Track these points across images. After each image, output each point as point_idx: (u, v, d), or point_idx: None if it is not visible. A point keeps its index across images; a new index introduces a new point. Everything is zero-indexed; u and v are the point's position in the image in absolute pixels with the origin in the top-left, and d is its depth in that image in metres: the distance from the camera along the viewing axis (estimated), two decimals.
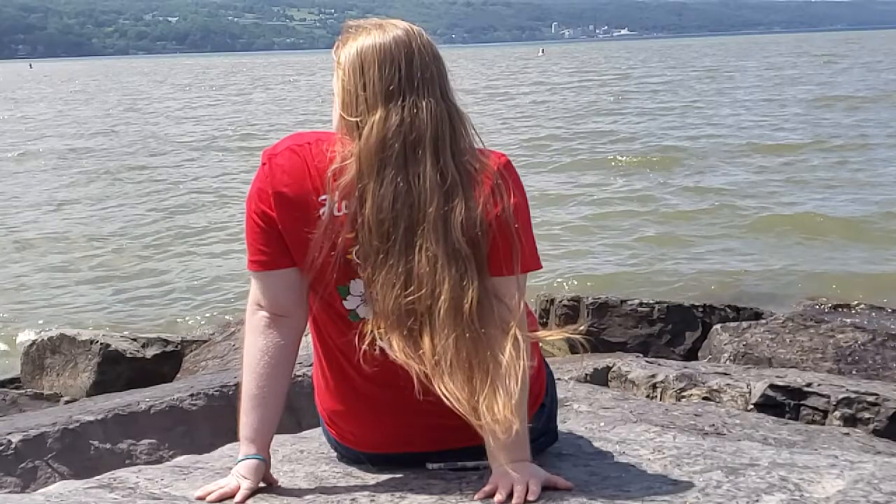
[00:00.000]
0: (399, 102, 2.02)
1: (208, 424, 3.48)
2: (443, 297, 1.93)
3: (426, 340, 1.94)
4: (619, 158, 18.24)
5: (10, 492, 3.04)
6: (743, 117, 25.49)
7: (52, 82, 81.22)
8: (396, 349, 1.97)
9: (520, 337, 2.00)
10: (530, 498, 1.96)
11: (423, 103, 2.03)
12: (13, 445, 3.20)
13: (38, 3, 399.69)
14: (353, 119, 2.04)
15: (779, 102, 29.56)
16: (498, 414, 1.90)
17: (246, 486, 2.06)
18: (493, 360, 1.93)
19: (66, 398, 5.67)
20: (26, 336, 7.67)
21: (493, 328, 1.96)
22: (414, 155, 2.00)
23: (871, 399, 3.78)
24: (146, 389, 4.23)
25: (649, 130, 23.27)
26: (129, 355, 6.13)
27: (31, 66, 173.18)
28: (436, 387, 1.93)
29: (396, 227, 1.98)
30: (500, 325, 1.97)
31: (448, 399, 1.92)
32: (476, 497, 2.01)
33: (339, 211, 2.02)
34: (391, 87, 2.03)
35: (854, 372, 5.00)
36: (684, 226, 12.34)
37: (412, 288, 1.96)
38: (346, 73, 2.07)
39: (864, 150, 18.21)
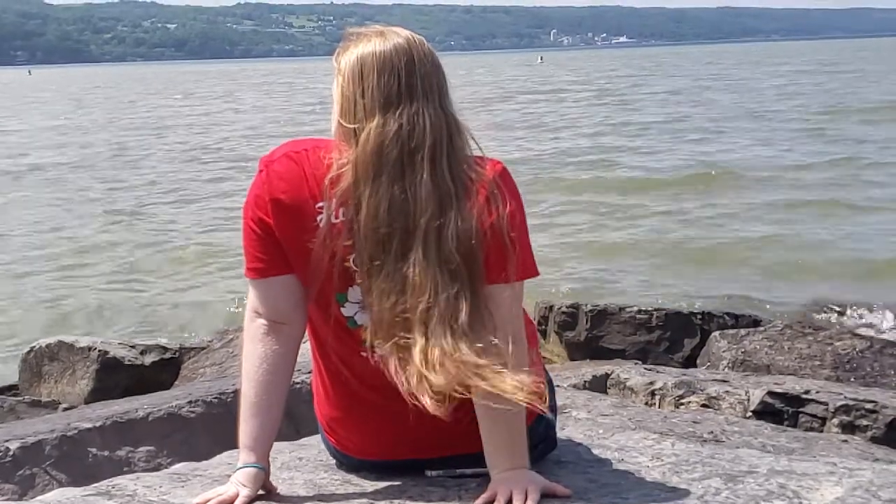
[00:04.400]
0: (397, 110, 2.02)
1: (207, 432, 3.48)
2: (436, 307, 1.93)
3: (418, 349, 1.93)
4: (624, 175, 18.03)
5: (7, 499, 3.03)
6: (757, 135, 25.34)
7: (51, 90, 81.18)
8: (399, 365, 1.95)
9: (518, 343, 2.00)
10: None
11: (422, 112, 2.02)
12: (11, 452, 3.19)
13: (37, 9, 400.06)
14: (351, 126, 2.04)
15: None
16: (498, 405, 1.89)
17: (245, 493, 2.05)
18: (490, 367, 1.92)
19: (64, 405, 5.65)
20: (24, 343, 7.65)
21: (489, 337, 1.95)
22: (411, 164, 2.00)
23: (869, 406, 3.78)
24: (144, 397, 4.22)
25: (663, 149, 23.10)
26: (127, 362, 6.12)
27: (30, 72, 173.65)
28: (428, 384, 1.90)
29: (392, 235, 1.98)
30: (496, 333, 1.96)
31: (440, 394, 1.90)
32: None
33: (336, 218, 2.02)
34: (390, 95, 2.03)
35: (852, 379, 4.99)
36: (684, 231, 12.36)
37: (406, 297, 1.95)
38: (346, 79, 2.07)
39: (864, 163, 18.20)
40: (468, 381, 1.88)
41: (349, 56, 2.09)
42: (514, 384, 1.87)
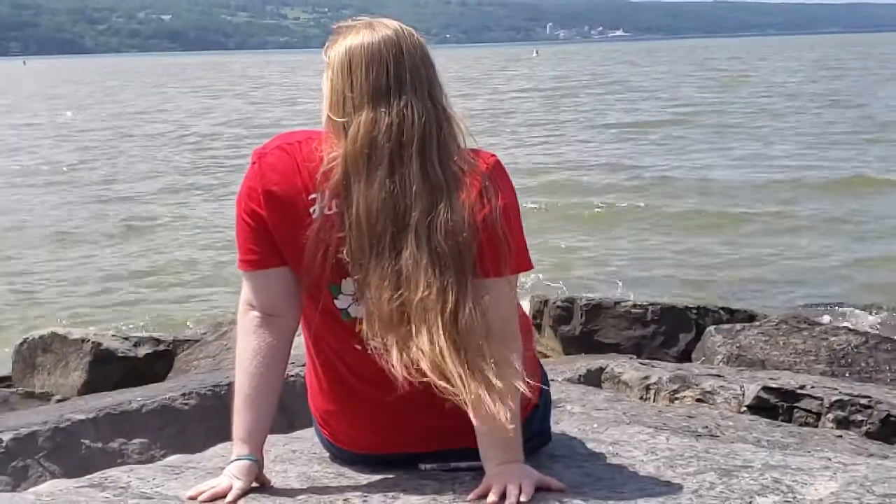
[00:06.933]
0: (386, 103, 2.01)
1: (200, 424, 3.48)
2: (431, 301, 1.92)
3: (416, 343, 1.92)
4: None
5: (1, 490, 3.03)
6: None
7: (43, 82, 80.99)
8: (397, 355, 1.95)
9: (510, 337, 2.00)
10: (523, 499, 1.94)
11: (411, 104, 2.01)
12: (4, 444, 3.20)
13: (31, 0, 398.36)
14: (340, 120, 2.03)
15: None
16: (490, 408, 1.89)
17: (238, 486, 2.05)
18: (485, 360, 1.92)
19: (57, 397, 5.64)
20: (17, 334, 7.64)
21: (483, 330, 1.94)
22: (400, 157, 1.99)
23: (863, 401, 3.77)
24: (138, 389, 4.22)
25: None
26: (120, 354, 6.10)
27: (24, 62, 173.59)
28: (431, 379, 1.90)
29: (384, 229, 1.97)
30: (490, 326, 1.96)
31: (440, 390, 1.90)
32: (469, 498, 2.00)
33: (329, 210, 2.01)
34: (378, 88, 2.01)
35: (847, 374, 4.99)
36: (681, 228, 12.37)
37: (402, 290, 1.94)
38: (335, 73, 2.06)
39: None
40: (455, 379, 1.88)
41: (337, 49, 2.07)
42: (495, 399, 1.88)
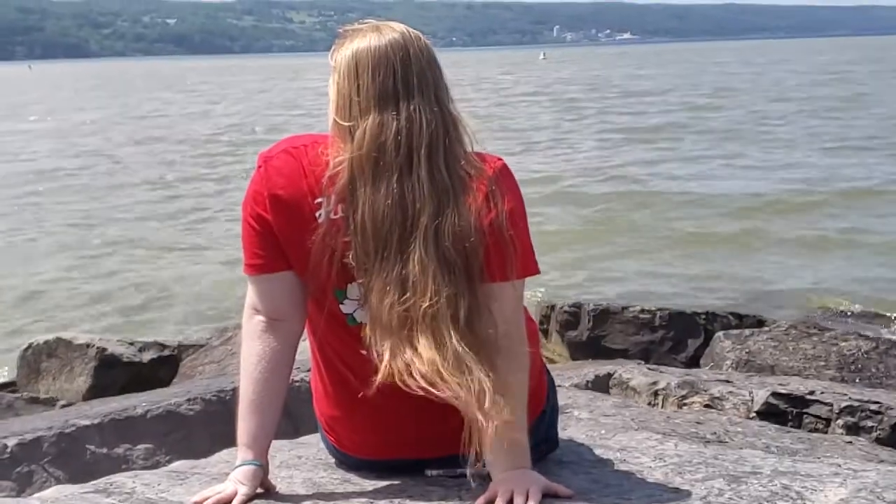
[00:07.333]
0: (393, 107, 1.99)
1: (205, 429, 3.47)
2: (437, 306, 1.90)
3: (421, 348, 1.91)
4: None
5: (5, 496, 3.03)
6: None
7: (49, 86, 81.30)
8: (389, 357, 1.93)
9: (517, 342, 1.98)
10: None
11: (418, 109, 1.99)
12: (9, 449, 3.19)
13: (36, 4, 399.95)
14: (347, 124, 2.01)
15: None
16: (498, 417, 1.87)
17: (243, 491, 2.03)
18: (491, 366, 1.90)
19: (62, 402, 5.66)
20: (23, 340, 7.64)
21: (489, 335, 1.93)
22: (407, 161, 1.97)
23: (873, 407, 3.76)
24: (143, 394, 4.22)
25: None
26: (125, 360, 6.12)
27: (30, 67, 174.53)
28: (437, 388, 1.89)
29: (390, 234, 1.95)
30: (497, 331, 1.94)
31: (447, 396, 1.88)
32: None
33: (335, 214, 2.00)
34: (385, 92, 2.00)
35: (857, 380, 4.98)
36: (688, 232, 12.35)
37: (407, 296, 1.93)
38: (341, 76, 2.05)
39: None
40: (455, 386, 1.86)
41: (344, 52, 2.06)
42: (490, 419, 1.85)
